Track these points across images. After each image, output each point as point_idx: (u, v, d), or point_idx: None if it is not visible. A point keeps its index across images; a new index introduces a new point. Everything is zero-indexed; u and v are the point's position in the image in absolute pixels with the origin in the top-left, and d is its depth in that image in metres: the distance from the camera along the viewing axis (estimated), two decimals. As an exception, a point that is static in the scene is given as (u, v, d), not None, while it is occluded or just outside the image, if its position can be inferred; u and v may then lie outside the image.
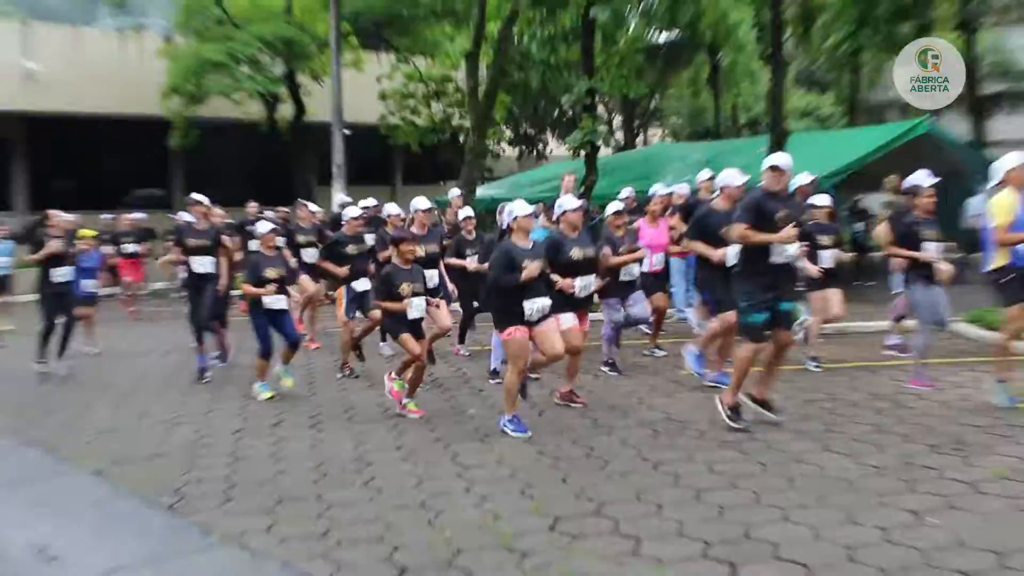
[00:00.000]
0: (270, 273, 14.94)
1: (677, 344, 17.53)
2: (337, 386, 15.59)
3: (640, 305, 15.74)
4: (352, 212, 17.37)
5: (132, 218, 29.47)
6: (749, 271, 12.03)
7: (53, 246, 16.99)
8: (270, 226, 15.45)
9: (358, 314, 16.89)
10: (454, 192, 22.23)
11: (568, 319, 13.12)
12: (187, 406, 14.33)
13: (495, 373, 15.62)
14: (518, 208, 12.67)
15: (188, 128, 40.30)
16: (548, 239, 13.41)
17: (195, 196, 17.18)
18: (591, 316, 14.22)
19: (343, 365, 16.60)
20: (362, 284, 16.97)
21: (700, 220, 14.36)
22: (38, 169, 44.54)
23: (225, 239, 17.16)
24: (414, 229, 16.54)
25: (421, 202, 16.67)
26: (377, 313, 14.89)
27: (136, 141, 44.08)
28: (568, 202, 13.43)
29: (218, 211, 19.32)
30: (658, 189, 18.85)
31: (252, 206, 24.84)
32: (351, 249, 17.10)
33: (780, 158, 12.04)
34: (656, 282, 17.16)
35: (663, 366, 16.49)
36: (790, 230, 11.70)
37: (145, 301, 28.98)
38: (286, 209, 26.23)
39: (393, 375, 13.86)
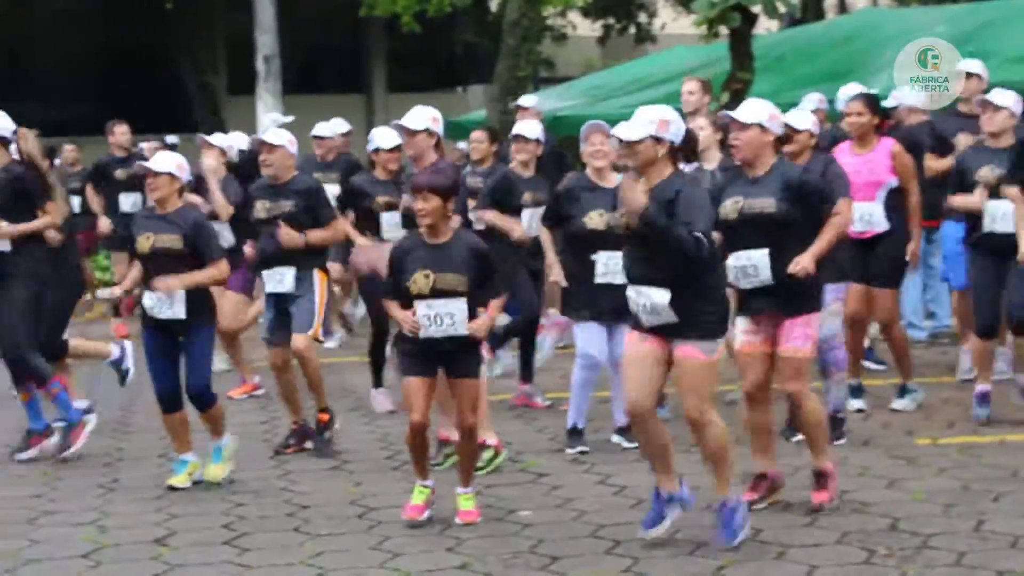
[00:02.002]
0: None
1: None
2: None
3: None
4: (384, 138, 12.03)
5: None
6: None
7: None
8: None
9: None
10: (529, 100, 16.62)
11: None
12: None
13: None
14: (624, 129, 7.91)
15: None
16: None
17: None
18: None
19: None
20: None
21: (963, 161, 11.49)
22: None
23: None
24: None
25: (388, 134, 11.93)
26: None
27: None
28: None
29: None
30: (849, 91, 12.88)
31: (120, 131, 17.97)
32: (381, 203, 11.93)
33: None
34: (867, 258, 11.43)
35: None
36: None
37: None
38: (167, 141, 19.66)
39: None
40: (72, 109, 30.33)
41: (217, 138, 14.28)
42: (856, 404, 11.65)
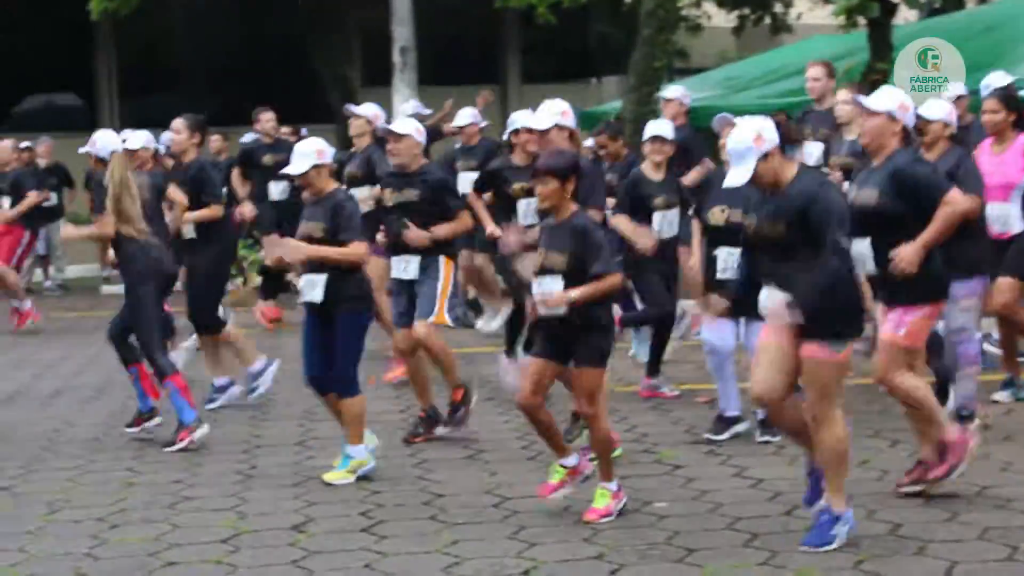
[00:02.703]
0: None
1: None
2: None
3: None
4: (459, 115, 12.76)
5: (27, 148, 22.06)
6: None
7: None
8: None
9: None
10: (674, 91, 16.19)
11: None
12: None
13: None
14: None
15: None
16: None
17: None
18: None
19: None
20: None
21: None
22: None
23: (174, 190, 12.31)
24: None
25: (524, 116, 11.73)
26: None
27: (27, 9, 30.12)
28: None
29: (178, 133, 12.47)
30: (991, 81, 12.76)
31: (266, 118, 18.17)
32: (518, 190, 11.77)
33: None
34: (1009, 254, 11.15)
35: None
36: None
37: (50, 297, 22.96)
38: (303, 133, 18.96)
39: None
40: (209, 101, 30.62)
41: (365, 108, 14.35)
42: (1000, 396, 11.48)
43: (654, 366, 12.54)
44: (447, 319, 11.01)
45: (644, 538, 8.18)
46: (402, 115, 18.26)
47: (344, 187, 10.34)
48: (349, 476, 9.75)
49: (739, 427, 10.67)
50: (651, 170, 12.09)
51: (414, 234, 10.75)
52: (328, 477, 9.78)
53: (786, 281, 7.69)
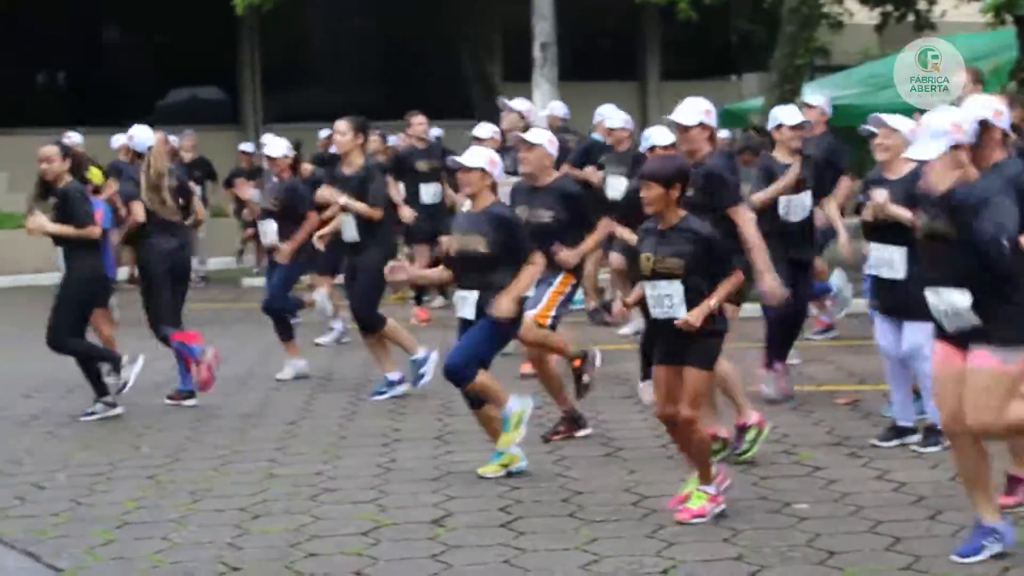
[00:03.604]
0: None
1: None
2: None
3: None
4: (661, 136, 11.75)
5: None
6: None
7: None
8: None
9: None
10: (817, 98, 15.67)
11: None
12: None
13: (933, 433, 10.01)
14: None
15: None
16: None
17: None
18: None
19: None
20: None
21: None
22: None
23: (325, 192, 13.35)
24: None
25: (662, 132, 11.80)
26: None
27: (172, 4, 30.38)
28: None
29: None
30: None
31: (417, 122, 18.19)
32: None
33: None
34: None
35: None
36: None
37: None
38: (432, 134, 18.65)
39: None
40: (350, 97, 30.88)
41: (518, 102, 14.31)
42: None
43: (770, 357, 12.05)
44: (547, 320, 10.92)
45: (785, 539, 8.12)
46: (542, 118, 18.34)
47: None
48: (520, 430, 9.65)
49: (911, 438, 10.26)
50: (782, 154, 12.08)
51: (565, 257, 10.72)
52: (499, 443, 9.71)
53: (959, 280, 7.33)
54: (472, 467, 9.91)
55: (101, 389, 12.17)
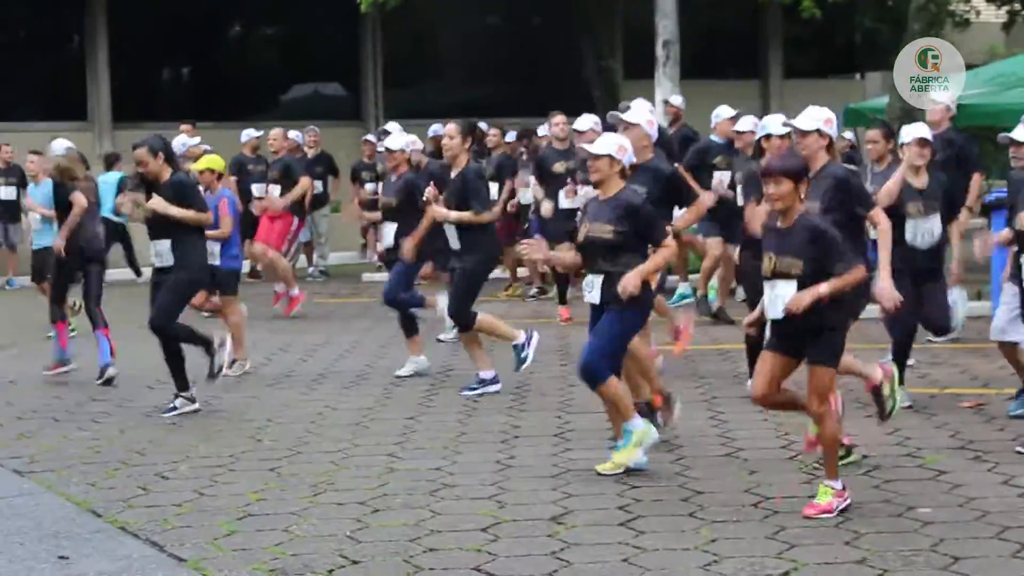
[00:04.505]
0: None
1: None
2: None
3: None
4: (776, 124, 11.32)
5: (293, 137, 21.78)
6: None
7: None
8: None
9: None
10: (940, 98, 15.03)
11: None
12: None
13: None
14: None
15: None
16: None
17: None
18: None
19: None
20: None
21: None
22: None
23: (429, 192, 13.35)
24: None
25: (779, 120, 11.51)
26: None
27: (297, 1, 30.83)
28: None
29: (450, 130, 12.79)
30: None
31: (557, 122, 17.84)
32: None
33: None
34: None
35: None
36: None
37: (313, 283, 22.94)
38: (557, 123, 17.90)
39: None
40: (471, 93, 30.99)
41: (638, 105, 14.10)
42: None
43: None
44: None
45: (908, 543, 8.01)
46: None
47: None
48: (635, 451, 9.66)
49: None
50: (911, 175, 11.57)
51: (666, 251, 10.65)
52: (616, 458, 9.72)
53: None
54: (591, 465, 9.89)
55: (183, 384, 12.31)
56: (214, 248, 13.64)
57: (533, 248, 10.44)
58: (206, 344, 12.41)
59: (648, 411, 10.24)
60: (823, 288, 8.31)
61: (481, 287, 12.99)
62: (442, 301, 13.60)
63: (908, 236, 11.45)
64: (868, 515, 8.58)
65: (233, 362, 13.75)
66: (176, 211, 12.03)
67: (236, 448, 10.90)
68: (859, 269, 8.52)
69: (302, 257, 23.66)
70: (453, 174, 12.82)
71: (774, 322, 8.66)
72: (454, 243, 12.74)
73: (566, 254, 10.35)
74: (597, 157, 9.72)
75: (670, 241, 9.81)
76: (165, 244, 12.18)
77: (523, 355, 12.66)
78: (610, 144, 9.78)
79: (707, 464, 10.07)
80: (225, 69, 31.75)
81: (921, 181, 11.57)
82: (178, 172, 12.32)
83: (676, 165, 13.20)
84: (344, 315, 18.72)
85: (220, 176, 14.61)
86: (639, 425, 9.70)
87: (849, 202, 9.89)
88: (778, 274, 8.46)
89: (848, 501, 8.59)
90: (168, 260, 12.19)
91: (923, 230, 11.45)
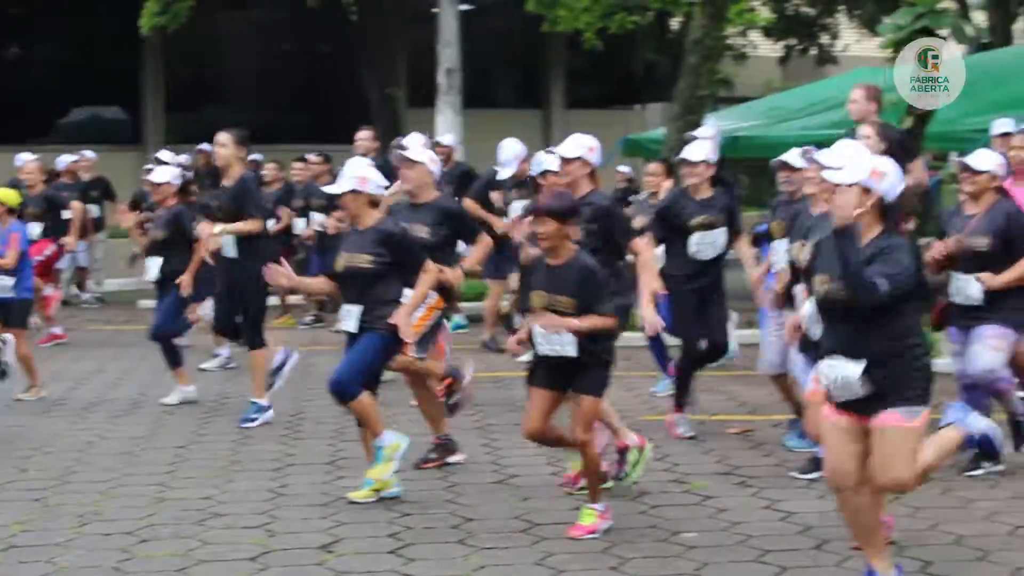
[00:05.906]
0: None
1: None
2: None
3: (981, 349, 10.03)
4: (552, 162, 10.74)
5: (73, 163, 21.65)
6: None
7: None
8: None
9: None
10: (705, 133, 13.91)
11: None
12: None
13: None
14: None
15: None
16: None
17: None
18: None
19: None
20: None
21: None
22: None
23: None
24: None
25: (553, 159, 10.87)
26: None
27: (77, 23, 30.72)
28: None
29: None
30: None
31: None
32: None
33: None
34: None
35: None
36: None
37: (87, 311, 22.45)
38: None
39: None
40: (255, 118, 30.77)
41: (412, 141, 13.97)
42: None
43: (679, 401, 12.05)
44: None
45: (672, 568, 8.14)
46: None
47: None
48: (389, 465, 9.72)
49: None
50: (692, 191, 11.81)
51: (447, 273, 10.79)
52: (370, 474, 9.76)
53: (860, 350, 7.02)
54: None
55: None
56: (6, 281, 13.41)
57: (278, 275, 10.24)
58: None
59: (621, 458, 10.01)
60: (576, 322, 8.51)
61: (267, 301, 12.93)
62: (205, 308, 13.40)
63: (691, 248, 11.69)
64: (634, 540, 8.71)
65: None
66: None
67: (1, 479, 10.66)
68: (612, 319, 8.70)
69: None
70: (227, 182, 12.60)
71: (541, 358, 8.80)
72: (230, 251, 12.46)
73: (313, 280, 10.48)
74: (344, 196, 9.80)
75: (430, 265, 9.87)
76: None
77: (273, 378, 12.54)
78: (353, 179, 9.78)
79: (478, 491, 10.11)
80: (1, 91, 31.11)
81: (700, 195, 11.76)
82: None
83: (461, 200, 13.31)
84: (119, 342, 18.40)
85: (11, 211, 14.04)
86: (390, 440, 9.74)
87: (610, 230, 10.09)
88: (548, 309, 8.58)
89: (611, 522, 8.79)
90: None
91: (708, 241, 11.69)
